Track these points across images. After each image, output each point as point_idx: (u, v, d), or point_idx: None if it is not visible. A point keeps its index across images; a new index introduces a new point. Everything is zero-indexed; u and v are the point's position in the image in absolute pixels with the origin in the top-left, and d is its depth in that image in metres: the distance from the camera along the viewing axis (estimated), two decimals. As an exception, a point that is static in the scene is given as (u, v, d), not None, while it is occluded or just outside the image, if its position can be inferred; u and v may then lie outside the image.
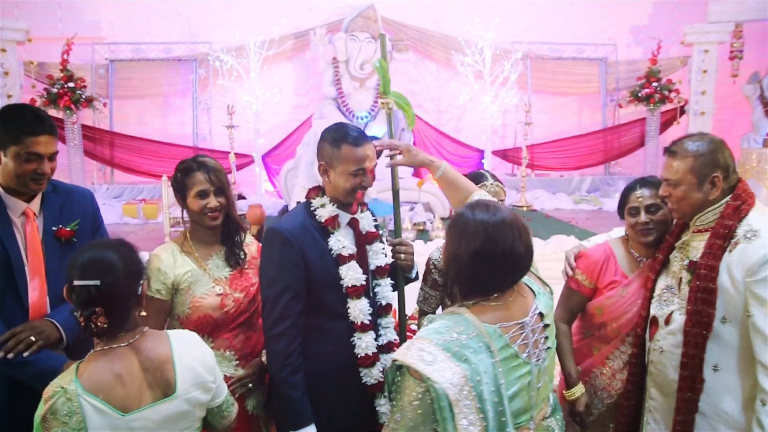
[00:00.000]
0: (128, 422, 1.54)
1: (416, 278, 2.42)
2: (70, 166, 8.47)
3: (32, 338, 1.99)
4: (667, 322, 2.03)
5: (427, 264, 2.54)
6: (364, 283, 2.12)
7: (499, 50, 9.18)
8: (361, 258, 2.18)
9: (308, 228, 2.09)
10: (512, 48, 9.27)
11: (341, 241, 2.10)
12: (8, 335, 1.97)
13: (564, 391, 2.35)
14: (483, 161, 9.53)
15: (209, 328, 2.16)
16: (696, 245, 2.01)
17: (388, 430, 1.52)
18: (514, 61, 9.07)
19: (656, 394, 2.10)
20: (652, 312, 2.11)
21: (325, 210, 2.12)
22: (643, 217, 2.26)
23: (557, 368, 2.49)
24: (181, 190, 2.20)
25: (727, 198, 1.97)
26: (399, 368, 1.52)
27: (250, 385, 2.21)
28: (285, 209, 6.39)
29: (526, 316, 1.62)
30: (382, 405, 2.18)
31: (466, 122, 9.95)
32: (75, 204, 2.29)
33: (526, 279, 1.71)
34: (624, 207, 2.33)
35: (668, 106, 9.28)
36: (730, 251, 1.89)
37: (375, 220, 2.30)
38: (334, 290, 2.10)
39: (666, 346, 2.04)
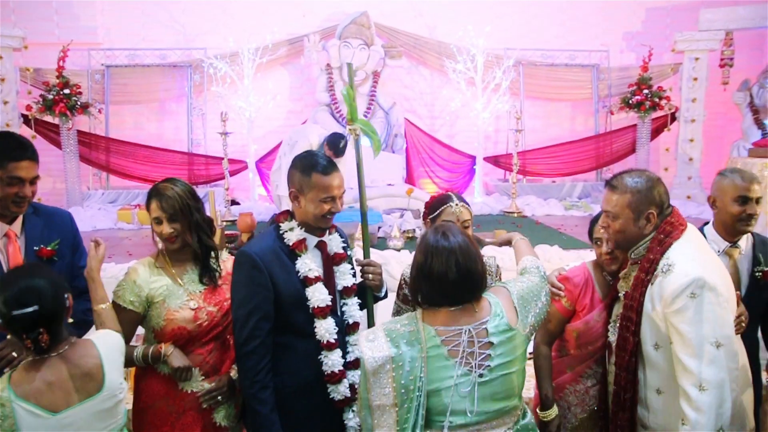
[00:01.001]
0: (59, 420, 1.74)
1: (385, 296, 2.51)
2: (66, 171, 8.56)
3: (14, 354, 2.08)
4: (612, 353, 2.19)
5: (400, 280, 2.62)
6: (330, 303, 2.21)
7: (491, 57, 9.25)
8: (329, 279, 2.28)
9: (277, 251, 2.19)
10: (504, 54, 9.35)
11: (308, 264, 2.20)
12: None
13: (538, 411, 2.43)
14: (475, 167, 9.61)
15: (183, 340, 2.26)
16: (632, 277, 2.13)
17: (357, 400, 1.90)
18: (506, 67, 9.14)
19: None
20: (609, 337, 2.27)
21: (293, 234, 2.22)
22: (605, 248, 2.40)
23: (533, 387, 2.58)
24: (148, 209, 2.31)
25: (653, 232, 2.08)
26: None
27: (219, 398, 2.29)
28: (275, 217, 6.46)
29: (469, 326, 1.80)
30: (350, 419, 2.28)
31: (459, 128, 10.03)
32: (55, 225, 2.41)
33: (494, 299, 1.88)
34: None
35: (659, 113, 9.35)
36: (652, 283, 2.01)
37: (344, 242, 2.40)
38: (302, 310, 2.19)
39: (611, 377, 2.19)
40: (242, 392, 2.22)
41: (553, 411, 2.42)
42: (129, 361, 2.19)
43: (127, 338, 2.24)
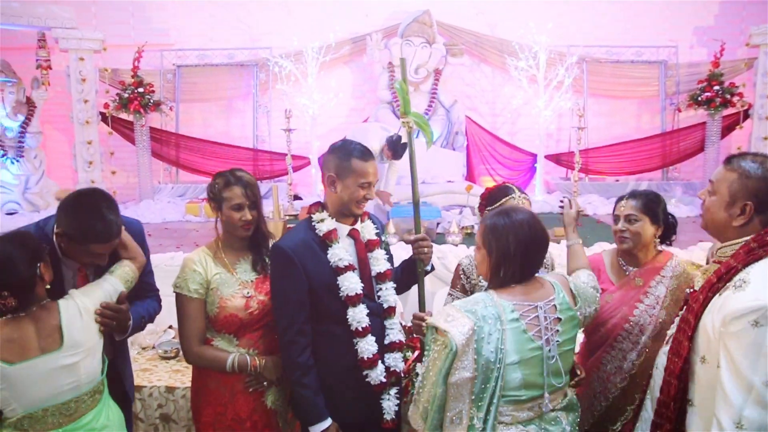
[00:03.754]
0: (16, 371, 1.94)
1: (432, 269, 2.58)
2: (139, 166, 8.98)
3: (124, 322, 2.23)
4: (667, 342, 2.02)
5: (457, 270, 2.67)
6: (360, 292, 2.27)
7: (553, 54, 9.14)
8: (363, 266, 2.34)
9: (309, 243, 2.26)
10: (567, 51, 9.22)
11: (338, 254, 2.26)
12: (114, 309, 2.18)
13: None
14: (536, 165, 9.52)
15: (234, 327, 2.35)
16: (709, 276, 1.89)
17: (419, 381, 1.87)
18: (569, 64, 9.02)
19: (648, 406, 2.09)
20: (669, 331, 2.09)
21: (324, 224, 2.29)
22: (620, 225, 2.46)
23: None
24: (217, 200, 2.37)
25: (749, 237, 1.79)
26: (432, 330, 1.85)
27: (265, 383, 2.39)
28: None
29: (542, 301, 1.89)
30: (387, 401, 2.34)
31: (520, 126, 9.95)
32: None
33: (552, 280, 1.99)
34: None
35: (731, 111, 9.01)
36: (720, 294, 1.77)
37: (377, 229, 2.46)
38: (337, 298, 2.26)
39: (660, 363, 2.02)
40: (287, 378, 2.33)
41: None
42: (222, 368, 2.31)
43: (202, 329, 2.36)
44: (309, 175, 9.49)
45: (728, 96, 8.77)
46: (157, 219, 8.05)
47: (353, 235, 2.36)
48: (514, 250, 1.88)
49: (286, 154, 8.34)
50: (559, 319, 1.90)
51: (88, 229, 2.10)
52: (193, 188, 9.30)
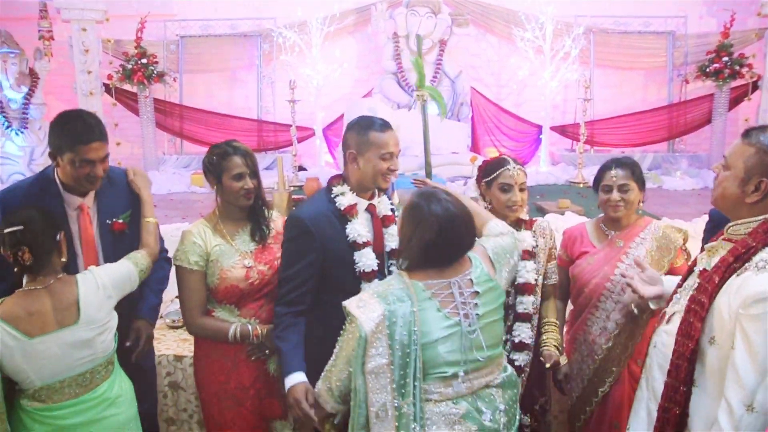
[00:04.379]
0: (34, 345, 1.99)
1: None
2: (143, 137, 8.98)
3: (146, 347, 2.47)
4: (668, 320, 1.96)
5: None
6: (376, 268, 2.27)
7: (560, 24, 9.03)
8: (378, 241, 2.34)
9: (328, 215, 2.24)
10: (575, 22, 9.10)
11: (357, 229, 2.24)
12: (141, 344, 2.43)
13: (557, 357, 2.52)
14: (541, 137, 9.48)
15: (235, 297, 2.37)
16: (719, 255, 1.80)
17: (332, 357, 1.91)
18: (575, 35, 8.91)
19: (644, 385, 2.04)
20: (668, 308, 2.04)
21: (345, 198, 2.27)
22: (614, 195, 2.48)
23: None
24: (216, 172, 2.35)
25: (767, 216, 1.71)
26: (345, 310, 1.86)
27: (267, 351, 2.41)
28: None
29: (456, 277, 1.87)
30: None
31: (526, 97, 9.88)
32: (128, 193, 2.50)
33: (471, 254, 1.96)
34: (599, 183, 2.56)
35: (739, 82, 8.92)
36: (738, 275, 1.68)
37: (392, 204, 2.46)
38: (350, 272, 2.25)
39: (659, 342, 1.97)
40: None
41: (562, 359, 2.54)
42: (224, 338, 2.34)
43: (203, 300, 2.38)
44: (313, 146, 9.48)
45: (737, 67, 8.67)
46: (163, 190, 8.07)
47: (370, 210, 2.36)
48: (417, 242, 1.86)
49: (290, 125, 8.32)
50: (477, 293, 1.88)
51: (71, 130, 2.23)
52: (197, 159, 9.29)
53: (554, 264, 2.59)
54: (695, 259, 1.99)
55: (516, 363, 2.43)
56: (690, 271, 1.99)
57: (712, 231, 2.26)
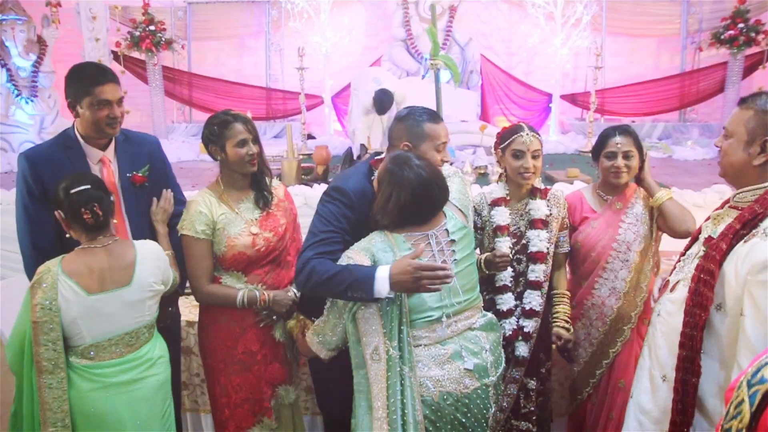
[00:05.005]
0: (92, 301, 2.08)
1: None
2: (152, 105, 8.98)
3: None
4: (673, 288, 1.96)
5: None
6: None
7: (572, -10, 8.90)
8: None
9: (367, 194, 2.22)
10: (587, -13, 8.97)
11: None
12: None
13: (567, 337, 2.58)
14: (551, 105, 9.41)
15: (243, 264, 2.41)
16: (725, 223, 1.80)
17: (324, 314, 2.06)
18: (587, 1, 8.77)
19: (646, 353, 2.06)
20: (671, 276, 2.04)
21: None
22: (619, 161, 2.51)
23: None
24: (218, 141, 2.36)
25: None
26: None
27: (274, 317, 2.47)
28: (349, 150, 6.62)
29: (433, 229, 1.99)
30: None
31: (536, 65, 9.78)
32: (144, 151, 2.58)
33: (445, 208, 2.07)
34: (600, 151, 2.57)
35: (754, 49, 8.77)
36: (746, 241, 1.70)
37: None
38: None
39: (663, 311, 1.98)
40: (304, 285, 2.09)
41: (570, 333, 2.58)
42: (232, 304, 2.39)
43: (211, 268, 2.42)
44: (322, 114, 9.45)
45: (753, 34, 8.52)
46: (172, 158, 7.97)
47: None
48: (392, 206, 1.95)
49: (299, 93, 8.29)
50: (453, 241, 2.01)
51: (86, 75, 2.36)
52: (206, 128, 9.30)
53: (566, 233, 2.62)
54: (699, 227, 1.99)
55: (525, 329, 2.49)
56: (695, 239, 1.99)
57: None
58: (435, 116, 2.27)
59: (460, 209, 2.15)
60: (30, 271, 2.32)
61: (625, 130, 2.56)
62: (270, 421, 2.53)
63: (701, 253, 1.83)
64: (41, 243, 2.36)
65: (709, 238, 1.83)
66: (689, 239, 2.05)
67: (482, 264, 2.46)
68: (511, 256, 2.49)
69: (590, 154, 2.80)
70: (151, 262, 2.22)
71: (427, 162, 2.03)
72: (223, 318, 2.46)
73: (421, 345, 1.93)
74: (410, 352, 1.90)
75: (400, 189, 1.94)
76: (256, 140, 2.41)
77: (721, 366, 1.75)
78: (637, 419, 2.03)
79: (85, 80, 2.34)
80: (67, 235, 2.16)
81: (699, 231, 1.97)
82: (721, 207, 1.91)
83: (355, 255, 1.94)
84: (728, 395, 1.22)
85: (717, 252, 1.74)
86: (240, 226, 2.40)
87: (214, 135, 2.38)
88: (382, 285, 1.86)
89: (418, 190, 1.94)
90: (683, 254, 2.01)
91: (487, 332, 2.07)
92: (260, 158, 2.43)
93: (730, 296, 1.71)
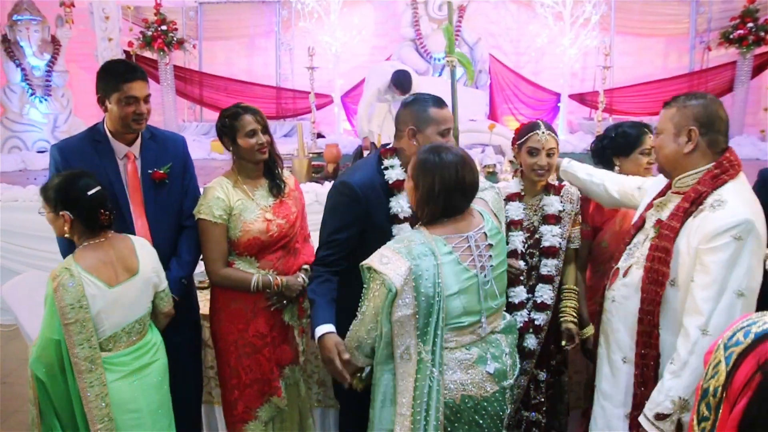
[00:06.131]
0: (114, 293, 2.14)
1: None
2: (164, 104, 9.09)
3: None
4: (625, 274, 2.08)
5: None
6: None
7: (581, -10, 8.92)
8: (416, 218, 2.41)
9: (375, 186, 2.29)
10: (596, -13, 8.99)
11: (401, 204, 2.29)
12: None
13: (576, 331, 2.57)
14: (559, 105, 9.44)
15: (256, 249, 2.51)
16: (670, 207, 2.00)
17: (359, 316, 1.97)
18: (596, 1, 8.79)
19: (602, 342, 2.19)
20: (619, 264, 2.17)
21: (394, 172, 2.30)
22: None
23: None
24: (230, 132, 2.48)
25: (710, 165, 1.92)
26: (368, 269, 1.91)
27: (285, 301, 2.57)
28: (359, 149, 6.68)
29: (471, 231, 1.95)
30: None
31: (545, 65, 9.81)
32: (168, 149, 2.64)
33: (479, 208, 2.04)
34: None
35: (764, 49, 8.77)
36: (695, 217, 1.89)
37: None
38: (383, 243, 2.33)
39: (617, 296, 2.10)
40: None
41: (590, 329, 2.57)
42: (247, 288, 2.48)
43: (225, 253, 2.51)
44: (332, 113, 9.52)
45: (762, 34, 8.52)
46: (183, 157, 8.19)
47: None
48: (438, 190, 1.91)
49: (309, 92, 8.35)
50: (491, 245, 1.98)
51: (116, 71, 2.45)
52: (217, 126, 9.39)
53: (578, 229, 2.62)
54: (641, 216, 2.15)
55: (536, 322, 2.53)
56: (638, 228, 2.14)
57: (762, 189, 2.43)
58: (440, 101, 2.31)
59: (495, 214, 2.13)
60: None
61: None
62: (279, 399, 2.62)
63: (652, 235, 2.01)
64: None
65: (659, 221, 2.00)
66: (633, 230, 2.19)
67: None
68: (523, 265, 2.51)
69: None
70: (146, 248, 2.31)
71: (446, 147, 2.01)
72: (236, 302, 2.55)
73: (447, 348, 1.93)
74: (442, 356, 1.90)
75: (441, 171, 1.91)
76: (266, 130, 2.51)
77: (672, 339, 1.88)
78: (601, 405, 2.14)
79: (114, 76, 2.42)
80: (66, 236, 2.19)
81: (642, 220, 2.13)
82: (662, 195, 2.08)
83: (392, 256, 1.88)
84: (707, 358, 1.36)
85: (670, 231, 1.92)
86: (255, 212, 2.50)
87: (226, 127, 2.50)
88: (316, 335, 2.15)
89: (461, 165, 1.91)
90: (628, 243, 2.15)
91: (506, 335, 2.08)
92: (271, 147, 2.54)
93: (683, 271, 1.88)
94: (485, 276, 1.95)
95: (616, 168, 2.64)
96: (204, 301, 3.42)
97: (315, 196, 5.24)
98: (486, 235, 1.98)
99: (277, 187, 2.58)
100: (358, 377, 2.12)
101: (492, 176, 6.79)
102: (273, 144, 2.56)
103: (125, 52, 8.75)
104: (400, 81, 6.03)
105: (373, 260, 1.89)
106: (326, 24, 9.04)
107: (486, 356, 1.98)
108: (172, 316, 2.49)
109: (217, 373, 2.72)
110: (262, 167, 2.58)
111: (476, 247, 1.95)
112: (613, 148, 2.64)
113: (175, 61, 9.23)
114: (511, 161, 7.00)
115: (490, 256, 1.98)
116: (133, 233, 2.48)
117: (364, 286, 1.94)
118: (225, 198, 2.48)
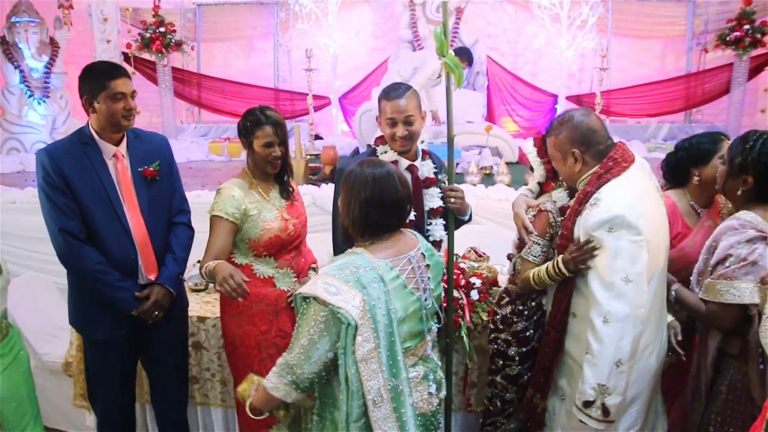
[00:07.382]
0: None
1: (470, 219, 2.70)
2: (162, 106, 9.10)
3: (156, 313, 2.57)
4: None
5: (545, 217, 2.41)
6: (413, 219, 2.44)
7: (578, -8, 8.94)
8: (418, 200, 2.54)
9: None
10: (593, -11, 9.00)
11: None
12: (146, 311, 2.54)
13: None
14: (556, 106, 9.46)
15: (275, 248, 2.60)
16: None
17: (294, 348, 1.80)
18: (593, 3, 8.81)
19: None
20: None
21: (386, 156, 2.50)
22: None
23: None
24: (248, 136, 2.56)
25: (596, 168, 2.14)
26: (304, 299, 1.79)
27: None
28: (356, 151, 6.70)
29: (412, 251, 1.96)
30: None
31: (542, 66, 9.83)
32: (154, 148, 2.70)
33: (409, 231, 2.05)
34: (710, 157, 2.50)
35: (760, 51, 8.78)
36: (580, 214, 2.12)
37: (436, 168, 2.63)
38: None
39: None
40: None
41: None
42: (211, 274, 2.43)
43: (227, 247, 2.53)
44: (329, 115, 9.54)
45: (758, 35, 8.53)
46: (181, 158, 8.20)
47: (411, 169, 2.57)
48: (353, 203, 1.88)
49: (306, 94, 8.38)
50: (429, 266, 2.00)
51: (100, 71, 2.50)
52: (215, 128, 9.42)
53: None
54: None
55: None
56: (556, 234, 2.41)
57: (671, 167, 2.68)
58: (389, 92, 2.47)
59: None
60: (62, 256, 2.49)
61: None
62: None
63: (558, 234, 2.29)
64: (67, 226, 2.46)
65: (563, 222, 2.27)
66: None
67: (560, 265, 2.20)
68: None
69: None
70: None
71: (390, 163, 2.01)
72: (258, 305, 2.60)
73: None
74: (409, 381, 1.85)
75: (359, 184, 1.89)
76: (283, 143, 2.58)
77: (585, 324, 2.10)
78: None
79: (100, 75, 2.48)
80: None
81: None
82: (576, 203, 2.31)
83: (341, 286, 1.75)
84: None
85: (566, 230, 2.19)
86: (273, 212, 2.60)
87: (245, 129, 2.57)
88: None
89: (380, 179, 1.87)
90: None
91: (433, 349, 2.11)
92: (284, 158, 2.61)
93: None
94: (426, 299, 1.97)
95: (695, 179, 2.56)
96: (201, 303, 3.45)
97: (312, 198, 5.25)
98: (424, 255, 2.01)
99: (287, 192, 2.68)
100: (284, 406, 1.95)
101: (489, 178, 6.82)
102: (287, 154, 2.63)
103: (123, 53, 8.78)
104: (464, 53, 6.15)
105: (317, 289, 1.74)
106: (324, 26, 9.06)
107: (428, 373, 2.00)
108: (166, 311, 2.56)
109: (235, 378, 2.72)
110: (272, 174, 2.65)
111: (418, 269, 1.95)
112: (691, 158, 2.57)
113: (174, 63, 9.24)
114: (508, 163, 7.03)
115: (429, 277, 2.00)
116: (129, 232, 2.53)
117: (298, 315, 1.83)
118: (239, 197, 2.54)
